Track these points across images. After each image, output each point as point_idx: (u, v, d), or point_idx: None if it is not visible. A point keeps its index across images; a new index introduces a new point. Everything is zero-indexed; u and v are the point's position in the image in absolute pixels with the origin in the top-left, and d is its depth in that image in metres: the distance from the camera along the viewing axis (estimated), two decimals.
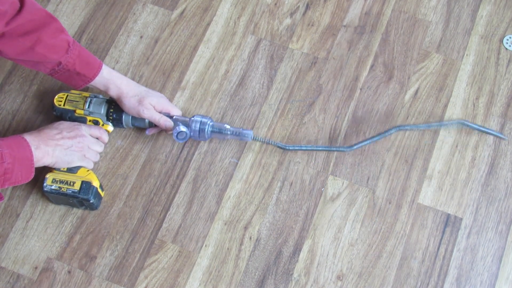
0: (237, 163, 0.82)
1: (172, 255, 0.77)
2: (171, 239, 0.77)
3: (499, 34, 0.90)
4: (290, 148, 0.80)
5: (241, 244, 0.77)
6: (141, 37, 0.89)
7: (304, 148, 0.79)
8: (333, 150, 0.79)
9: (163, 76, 0.87)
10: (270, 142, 0.79)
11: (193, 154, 0.82)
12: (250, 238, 0.78)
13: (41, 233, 0.77)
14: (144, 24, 0.90)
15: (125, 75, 0.87)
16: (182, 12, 0.91)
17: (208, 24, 0.90)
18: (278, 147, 0.80)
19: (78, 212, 0.79)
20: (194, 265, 0.76)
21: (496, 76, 0.88)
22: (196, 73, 0.87)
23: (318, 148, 0.79)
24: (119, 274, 0.75)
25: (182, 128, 0.77)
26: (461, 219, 0.79)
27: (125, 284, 0.75)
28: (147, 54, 0.88)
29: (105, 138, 0.78)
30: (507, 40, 0.90)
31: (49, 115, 0.84)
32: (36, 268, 0.76)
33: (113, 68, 0.87)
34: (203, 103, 0.85)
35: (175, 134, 0.77)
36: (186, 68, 0.88)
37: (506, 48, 0.89)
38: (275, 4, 0.92)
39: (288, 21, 0.91)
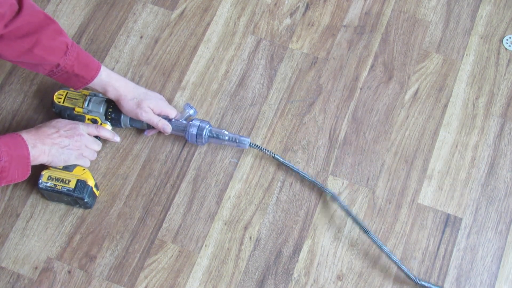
0: (237, 163, 0.81)
1: (172, 255, 0.76)
2: (171, 239, 0.77)
3: (499, 34, 0.90)
4: (284, 162, 0.79)
5: (241, 244, 0.77)
6: (141, 37, 0.89)
7: (295, 169, 0.78)
8: (318, 185, 0.78)
9: (163, 76, 0.86)
10: (267, 151, 0.79)
11: (193, 154, 0.81)
12: (250, 238, 0.77)
13: (41, 233, 0.77)
14: (144, 24, 0.90)
15: (125, 75, 0.86)
16: (182, 12, 0.91)
17: (208, 24, 0.90)
18: (275, 158, 0.79)
19: (78, 212, 0.78)
20: (194, 265, 0.76)
21: (496, 76, 0.87)
22: (196, 73, 0.87)
23: (304, 176, 0.78)
24: (119, 274, 0.75)
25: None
26: (461, 219, 0.78)
27: (125, 284, 0.74)
28: (147, 54, 0.88)
29: (105, 133, 0.77)
30: (507, 40, 0.89)
31: (49, 115, 0.83)
32: (36, 268, 0.75)
33: (113, 68, 0.87)
34: (203, 103, 0.85)
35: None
36: (186, 68, 0.87)
37: (506, 48, 0.89)
38: (275, 4, 0.91)
39: (288, 21, 0.90)
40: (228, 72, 0.87)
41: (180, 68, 0.87)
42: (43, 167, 0.75)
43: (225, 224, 0.78)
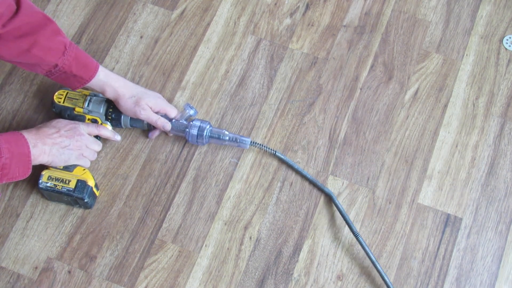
0: (237, 163, 0.81)
1: (172, 255, 0.76)
2: (171, 239, 0.76)
3: (499, 34, 0.90)
4: (285, 159, 0.79)
5: (241, 244, 0.76)
6: (141, 37, 0.89)
7: (296, 167, 0.78)
8: (317, 185, 0.78)
9: (163, 76, 0.86)
10: (268, 149, 0.79)
11: (193, 154, 0.81)
12: (250, 238, 0.77)
13: (41, 233, 0.77)
14: (144, 24, 0.90)
15: (125, 75, 0.86)
16: (182, 12, 0.91)
17: (208, 24, 0.90)
18: (276, 155, 0.79)
19: (78, 212, 0.78)
20: (194, 265, 0.75)
21: (496, 76, 0.87)
22: (196, 73, 0.87)
23: (305, 174, 0.78)
24: (119, 274, 0.75)
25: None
26: (461, 219, 0.78)
27: (125, 284, 0.74)
28: (147, 54, 0.88)
29: (105, 133, 0.76)
30: (507, 40, 0.89)
31: (49, 115, 0.83)
32: (36, 268, 0.75)
33: (113, 68, 0.87)
34: (203, 103, 0.85)
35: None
36: (186, 68, 0.87)
37: (506, 48, 0.89)
38: (275, 4, 0.91)
39: (288, 21, 0.90)
40: (228, 72, 0.87)
41: (180, 68, 0.87)
42: (43, 167, 0.75)
43: (225, 224, 0.77)
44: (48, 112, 0.83)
